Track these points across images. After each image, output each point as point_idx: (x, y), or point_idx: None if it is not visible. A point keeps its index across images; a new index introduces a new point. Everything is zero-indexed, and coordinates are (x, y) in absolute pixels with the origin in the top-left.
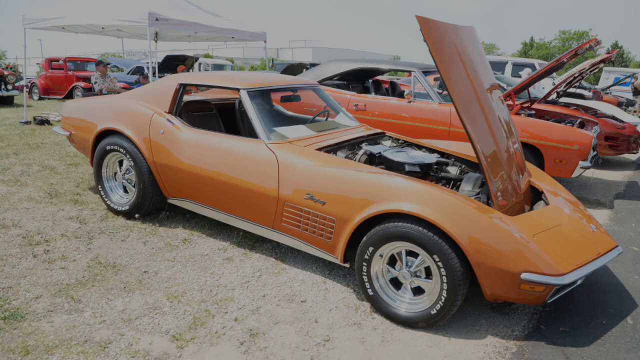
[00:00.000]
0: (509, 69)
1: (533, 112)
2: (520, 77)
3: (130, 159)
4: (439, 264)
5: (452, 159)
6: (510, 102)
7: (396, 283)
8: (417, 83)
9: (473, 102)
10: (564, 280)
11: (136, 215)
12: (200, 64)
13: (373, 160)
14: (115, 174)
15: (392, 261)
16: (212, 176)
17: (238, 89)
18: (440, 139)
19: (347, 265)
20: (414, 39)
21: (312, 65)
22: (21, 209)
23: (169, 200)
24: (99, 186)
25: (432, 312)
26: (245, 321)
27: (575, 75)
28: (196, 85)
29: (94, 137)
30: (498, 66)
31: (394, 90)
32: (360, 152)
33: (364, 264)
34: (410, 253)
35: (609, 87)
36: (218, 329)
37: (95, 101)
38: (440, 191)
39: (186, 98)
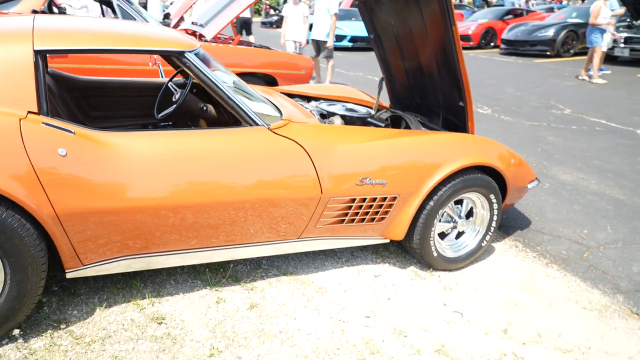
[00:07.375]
0: None
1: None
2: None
3: None
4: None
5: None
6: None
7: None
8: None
9: None
10: None
11: (16, 332)
12: None
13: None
14: None
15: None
16: (191, 201)
17: (180, 52)
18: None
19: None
20: None
21: None
22: None
23: (71, 274)
24: None
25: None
26: None
27: None
28: (67, 52)
29: None
30: None
31: None
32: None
33: (433, 229)
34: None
35: None
36: None
37: None
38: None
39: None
